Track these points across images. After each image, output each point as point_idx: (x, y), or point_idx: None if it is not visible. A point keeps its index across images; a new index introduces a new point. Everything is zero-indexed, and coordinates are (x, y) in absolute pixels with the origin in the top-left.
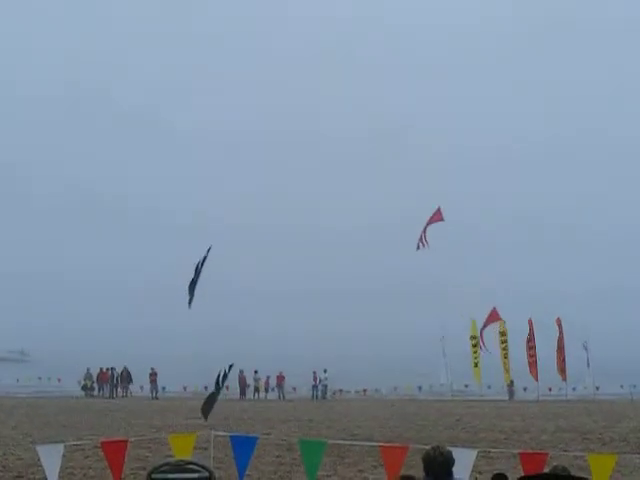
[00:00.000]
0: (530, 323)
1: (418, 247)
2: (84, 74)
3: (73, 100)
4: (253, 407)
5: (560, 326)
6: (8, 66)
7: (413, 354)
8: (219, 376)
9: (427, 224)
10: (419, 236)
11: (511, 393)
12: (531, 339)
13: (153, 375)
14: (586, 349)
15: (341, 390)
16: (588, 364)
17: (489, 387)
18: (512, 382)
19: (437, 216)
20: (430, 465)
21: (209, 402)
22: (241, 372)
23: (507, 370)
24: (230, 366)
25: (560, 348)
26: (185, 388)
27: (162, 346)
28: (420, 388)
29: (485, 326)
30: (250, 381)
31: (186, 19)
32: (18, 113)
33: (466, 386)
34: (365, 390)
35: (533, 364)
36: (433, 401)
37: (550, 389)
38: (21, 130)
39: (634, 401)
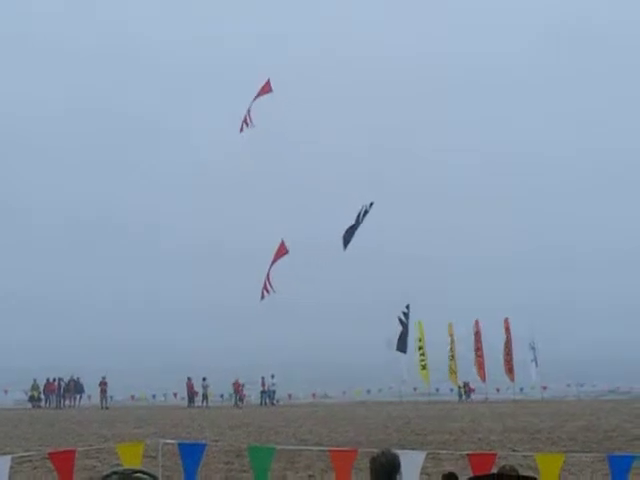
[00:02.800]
0: (477, 324)
1: (262, 296)
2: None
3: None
4: (202, 414)
5: (508, 326)
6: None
7: (362, 361)
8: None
9: (273, 262)
10: (263, 282)
11: (461, 394)
12: (478, 340)
13: (103, 385)
14: (533, 349)
15: (290, 395)
16: (535, 364)
17: (437, 390)
18: (466, 384)
19: (282, 250)
20: (376, 468)
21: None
22: (189, 379)
23: (454, 372)
24: None
25: (507, 349)
26: (133, 397)
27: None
28: (369, 391)
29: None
30: (198, 388)
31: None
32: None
33: (415, 389)
34: (314, 395)
35: (480, 365)
36: (382, 404)
37: (498, 389)
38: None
39: (581, 400)
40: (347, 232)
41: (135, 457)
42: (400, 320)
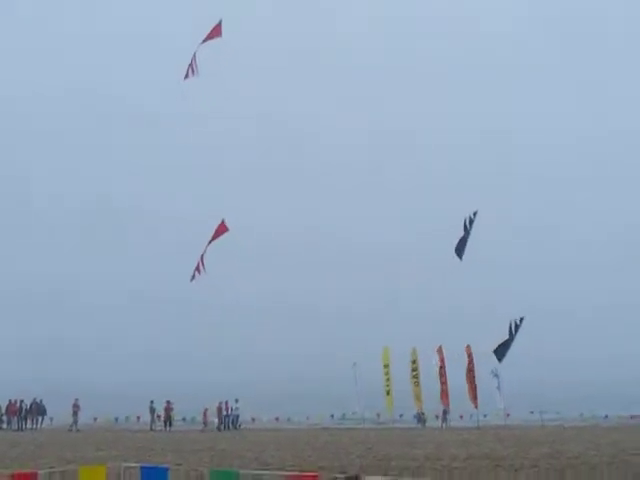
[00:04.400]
0: (440, 351)
1: (193, 277)
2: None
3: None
4: (165, 437)
5: (470, 353)
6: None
7: (331, 376)
8: None
9: (211, 240)
10: (196, 263)
11: (421, 420)
12: (442, 366)
13: (75, 407)
14: (496, 376)
15: (253, 419)
16: (499, 391)
17: (401, 415)
18: (422, 412)
19: (222, 229)
20: None
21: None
22: (151, 402)
23: (418, 398)
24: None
25: (470, 375)
26: (95, 419)
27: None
28: (332, 416)
29: (214, 238)
30: (162, 411)
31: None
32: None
33: (378, 415)
34: (277, 419)
35: (444, 391)
36: (345, 429)
37: (461, 416)
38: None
39: (544, 426)
40: (459, 243)
41: None
42: (465, 225)
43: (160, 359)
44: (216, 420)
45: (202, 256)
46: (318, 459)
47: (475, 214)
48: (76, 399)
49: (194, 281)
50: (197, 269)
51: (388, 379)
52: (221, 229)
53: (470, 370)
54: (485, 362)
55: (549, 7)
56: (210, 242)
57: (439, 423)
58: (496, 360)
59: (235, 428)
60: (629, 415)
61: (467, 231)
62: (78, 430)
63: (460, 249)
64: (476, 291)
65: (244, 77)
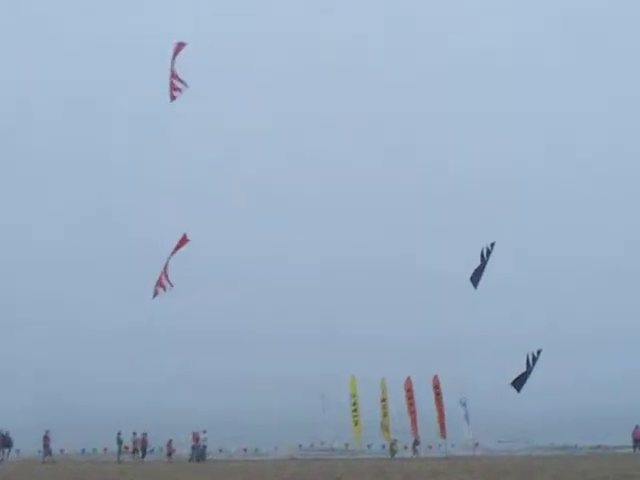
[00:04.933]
0: (408, 381)
1: (156, 293)
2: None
3: None
4: (132, 470)
5: (437, 383)
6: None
7: (299, 406)
8: None
9: (172, 252)
10: (159, 277)
11: (393, 451)
12: (411, 397)
13: (46, 439)
14: (464, 405)
15: (221, 450)
16: (467, 421)
17: (369, 446)
18: (395, 441)
19: (183, 241)
20: None
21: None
22: (119, 433)
23: (387, 429)
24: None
25: (439, 405)
26: (62, 451)
27: None
28: (301, 446)
29: (175, 251)
30: (128, 443)
31: None
32: None
33: (346, 445)
34: (245, 450)
35: (413, 421)
36: (314, 460)
37: (430, 446)
38: None
39: (513, 457)
40: (475, 273)
41: None
42: (482, 254)
43: (126, 388)
44: (191, 450)
45: (165, 271)
46: None
47: (493, 245)
48: (47, 430)
49: (156, 297)
50: (160, 285)
51: (356, 409)
52: (182, 242)
53: (438, 400)
54: (453, 391)
55: None
56: (172, 254)
57: (410, 453)
58: (464, 390)
59: (203, 459)
60: (597, 445)
61: (484, 261)
62: (54, 462)
63: (476, 278)
64: (446, 320)
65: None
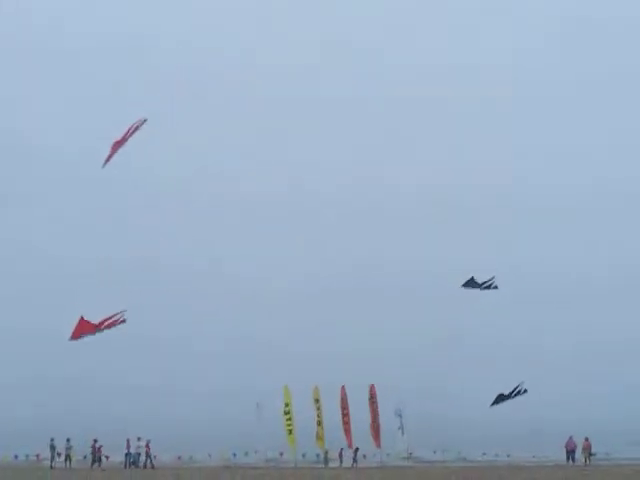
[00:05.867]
0: (343, 390)
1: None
2: None
3: None
4: (65, 476)
5: (373, 392)
6: None
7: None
8: None
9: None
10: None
11: (327, 460)
12: (345, 406)
13: None
14: (400, 416)
15: (154, 457)
16: (402, 431)
17: (303, 455)
18: (326, 452)
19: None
20: None
21: None
22: (52, 440)
23: (320, 437)
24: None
25: (373, 414)
26: None
27: None
28: (235, 455)
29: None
30: (61, 450)
31: None
32: None
33: (281, 454)
34: (179, 457)
35: (348, 430)
36: (248, 468)
37: (365, 455)
38: None
39: (447, 467)
40: (498, 398)
41: None
42: (513, 391)
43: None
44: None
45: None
46: None
47: (525, 391)
48: None
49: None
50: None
51: (289, 418)
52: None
53: (373, 409)
54: (390, 400)
55: None
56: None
57: (349, 462)
58: (400, 399)
59: (137, 467)
60: (531, 455)
61: (510, 397)
62: None
63: (497, 402)
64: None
65: None
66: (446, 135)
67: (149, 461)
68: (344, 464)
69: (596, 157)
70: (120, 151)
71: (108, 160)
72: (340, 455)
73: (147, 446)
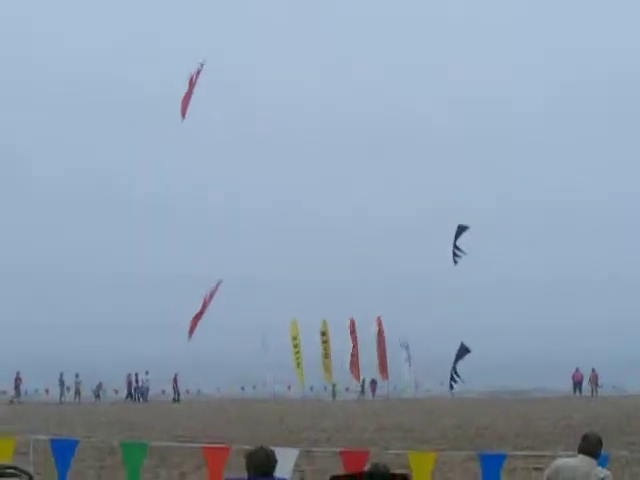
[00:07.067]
0: (352, 322)
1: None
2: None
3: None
4: (74, 410)
5: (380, 325)
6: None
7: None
8: None
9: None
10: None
11: (334, 393)
12: (353, 339)
13: (18, 380)
14: (406, 347)
15: (163, 391)
16: (409, 363)
17: (311, 388)
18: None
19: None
20: (252, 464)
21: None
22: (61, 375)
23: (328, 370)
24: None
25: (380, 347)
26: (4, 392)
27: None
28: (243, 388)
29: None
30: (71, 383)
31: None
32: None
33: (289, 387)
34: (188, 391)
35: (354, 363)
36: (256, 401)
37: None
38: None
39: (454, 398)
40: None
41: (6, 453)
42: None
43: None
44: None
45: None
46: (228, 431)
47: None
48: (18, 372)
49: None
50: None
51: (297, 351)
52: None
53: (380, 342)
54: (395, 333)
55: None
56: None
57: (365, 395)
58: (405, 332)
59: (145, 400)
60: (532, 388)
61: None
62: (20, 402)
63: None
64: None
65: None
66: None
67: (177, 395)
68: (351, 397)
69: None
70: None
71: (184, 113)
72: (363, 386)
73: (175, 380)
